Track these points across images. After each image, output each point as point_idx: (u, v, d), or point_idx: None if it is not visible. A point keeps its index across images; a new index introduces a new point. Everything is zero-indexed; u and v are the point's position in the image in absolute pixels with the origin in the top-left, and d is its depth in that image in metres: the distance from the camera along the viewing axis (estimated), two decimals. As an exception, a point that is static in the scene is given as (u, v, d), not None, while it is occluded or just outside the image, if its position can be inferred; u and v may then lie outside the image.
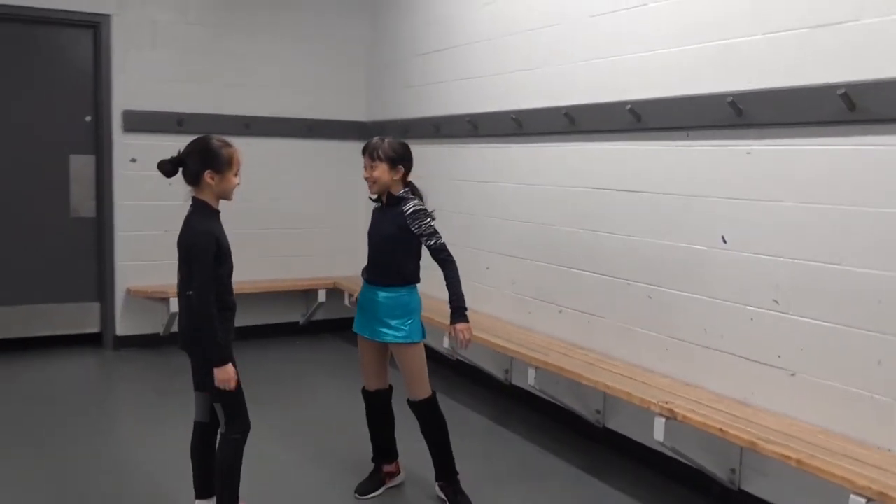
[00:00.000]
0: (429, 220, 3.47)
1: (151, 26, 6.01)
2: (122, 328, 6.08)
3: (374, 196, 3.56)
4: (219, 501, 3.13)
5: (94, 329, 6.13)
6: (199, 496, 3.25)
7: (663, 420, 3.33)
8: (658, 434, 3.38)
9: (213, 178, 3.05)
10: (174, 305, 5.81)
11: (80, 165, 6.00)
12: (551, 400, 4.46)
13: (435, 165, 5.79)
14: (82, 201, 6.04)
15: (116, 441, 4.31)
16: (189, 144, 3.11)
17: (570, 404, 4.37)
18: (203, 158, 3.05)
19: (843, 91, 2.92)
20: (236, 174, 3.12)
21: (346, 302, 6.25)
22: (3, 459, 3.97)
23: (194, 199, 3.11)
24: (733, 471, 3.50)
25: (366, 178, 3.50)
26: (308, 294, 6.57)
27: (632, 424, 4.06)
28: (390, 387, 3.69)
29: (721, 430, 3.06)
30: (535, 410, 4.76)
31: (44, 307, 5.96)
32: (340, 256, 6.70)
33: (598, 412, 4.27)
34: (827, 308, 3.10)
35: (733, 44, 3.44)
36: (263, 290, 6.33)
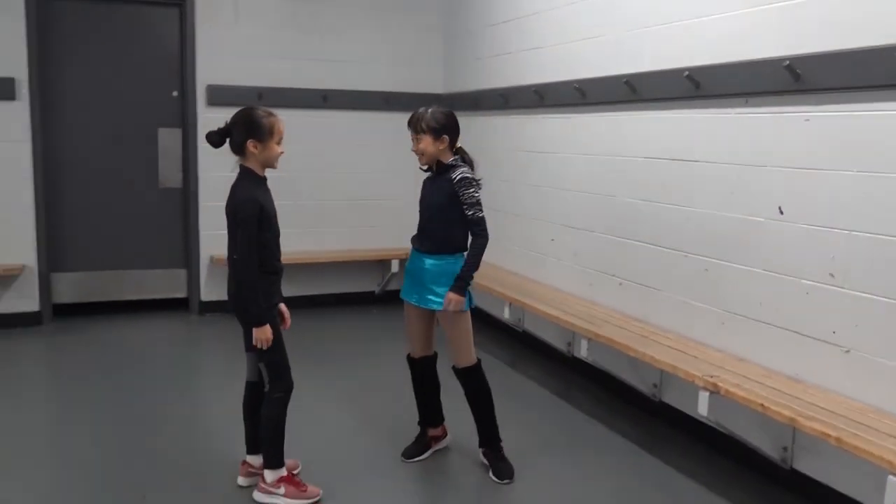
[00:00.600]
0: (473, 189, 3.45)
1: (233, 3, 6.22)
2: (206, 293, 6.37)
3: (425, 167, 3.59)
4: (264, 457, 3.28)
5: (182, 294, 6.46)
6: (249, 451, 3.41)
7: (707, 394, 3.26)
8: (702, 408, 3.31)
9: (255, 147, 3.16)
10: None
11: (168, 139, 6.30)
12: (608, 372, 4.42)
13: (503, 137, 5.79)
14: (170, 173, 6.35)
15: (195, 396, 4.57)
16: (234, 115, 3.23)
17: (627, 378, 4.32)
18: (246, 128, 3.16)
19: (901, 52, 2.76)
20: (279, 143, 3.22)
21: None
22: (94, 410, 4.29)
23: (241, 166, 3.23)
24: (785, 449, 3.39)
25: (413, 152, 3.52)
26: (383, 264, 6.71)
27: (686, 399, 3.97)
28: (435, 353, 3.74)
29: (763, 405, 2.97)
30: (595, 382, 4.73)
31: (136, 272, 6.33)
32: (414, 229, 6.78)
33: (655, 386, 4.21)
34: (884, 283, 2.95)
35: (789, 5, 3.28)
36: (339, 260, 6.52)
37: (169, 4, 6.16)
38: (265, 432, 3.28)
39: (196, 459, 3.69)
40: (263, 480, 3.28)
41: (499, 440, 3.60)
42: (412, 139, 3.50)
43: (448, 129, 3.47)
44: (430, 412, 3.78)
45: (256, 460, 3.36)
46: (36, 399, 4.60)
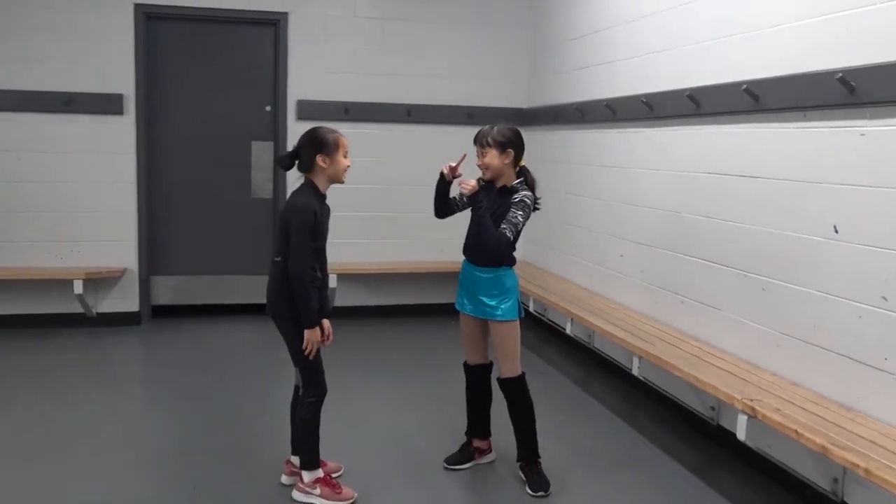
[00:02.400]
0: (522, 213, 3.43)
1: (323, 21, 6.49)
2: (291, 300, 6.63)
3: (485, 180, 3.55)
4: (301, 458, 3.41)
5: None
6: (294, 451, 3.55)
7: (745, 418, 3.14)
8: (741, 433, 3.20)
9: (325, 162, 3.29)
10: (332, 281, 6.31)
11: (260, 151, 6.63)
12: (664, 393, 4.32)
13: (578, 151, 5.76)
14: (261, 184, 6.67)
15: (268, 396, 4.75)
16: (301, 137, 3.37)
17: (685, 399, 4.21)
18: (314, 145, 3.30)
19: (951, 63, 2.60)
20: (345, 156, 3.36)
21: (494, 285, 6.37)
22: (175, 404, 4.61)
23: (306, 179, 3.36)
24: (836, 480, 3.22)
25: (478, 166, 3.55)
26: (462, 276, 6.77)
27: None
28: (490, 363, 3.78)
29: (797, 431, 2.85)
30: (658, 402, 4.62)
31: (228, 278, 6.67)
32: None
33: (713, 409, 4.08)
34: (937, 307, 2.77)
35: (843, 16, 3.15)
36: (424, 271, 6.62)
37: (264, 23, 6.49)
38: (301, 434, 3.42)
39: (252, 456, 3.86)
40: (301, 480, 3.41)
41: (537, 455, 3.59)
42: (477, 154, 3.56)
43: (513, 144, 3.51)
44: (479, 422, 3.82)
45: (298, 460, 3.49)
46: (124, 391, 4.92)
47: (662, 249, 4.59)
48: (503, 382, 3.62)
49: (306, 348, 3.29)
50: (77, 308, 6.10)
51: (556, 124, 6.07)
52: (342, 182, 3.42)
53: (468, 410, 3.83)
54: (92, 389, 4.80)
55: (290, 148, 3.42)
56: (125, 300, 6.32)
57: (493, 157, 3.48)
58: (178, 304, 6.59)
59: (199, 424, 4.28)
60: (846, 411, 3.08)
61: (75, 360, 5.45)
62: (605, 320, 4.58)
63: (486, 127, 3.55)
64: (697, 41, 4.19)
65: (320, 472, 3.41)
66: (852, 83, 3.07)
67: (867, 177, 3.08)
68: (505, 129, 3.52)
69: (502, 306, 3.55)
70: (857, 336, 3.13)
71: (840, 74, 3.09)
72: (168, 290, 6.57)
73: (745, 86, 3.68)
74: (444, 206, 3.67)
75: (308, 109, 6.45)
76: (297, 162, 3.34)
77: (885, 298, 2.99)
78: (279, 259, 3.29)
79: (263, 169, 6.63)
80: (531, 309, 5.93)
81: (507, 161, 3.49)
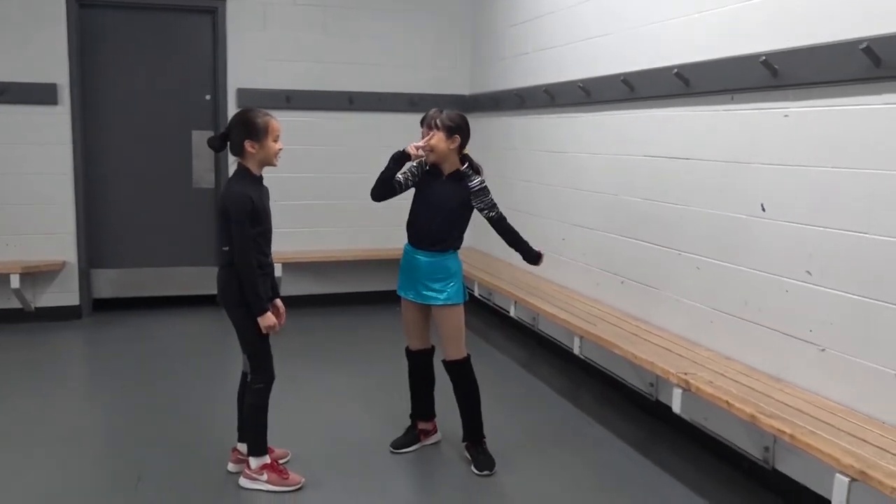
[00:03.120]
0: (489, 195, 3.58)
1: (262, 8, 6.43)
2: (236, 290, 6.59)
3: (428, 164, 3.59)
4: (248, 444, 3.42)
5: (213, 291, 6.65)
6: (240, 439, 3.55)
7: (680, 391, 3.25)
8: (676, 406, 3.31)
9: (253, 147, 3.27)
10: (277, 270, 6.27)
11: (201, 140, 6.53)
12: (606, 371, 4.43)
13: (519, 137, 5.83)
14: (203, 173, 6.59)
15: (212, 386, 4.75)
16: (231, 119, 3.36)
17: (626, 376, 4.32)
18: (243, 129, 3.28)
19: (865, 45, 2.71)
20: (276, 140, 3.32)
21: (440, 271, 6.44)
22: (118, 397, 4.54)
23: (239, 165, 3.35)
24: (767, 449, 3.36)
25: (421, 147, 3.54)
26: (408, 263, 6.81)
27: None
28: (432, 347, 3.83)
29: (728, 402, 2.96)
30: (602, 382, 4.73)
31: (170, 269, 6.60)
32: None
33: (652, 385, 4.20)
34: (857, 280, 2.91)
35: (768, 1, 3.26)
36: (368, 258, 6.64)
37: (202, 11, 6.41)
38: (248, 421, 3.43)
39: (198, 446, 3.85)
40: (248, 467, 3.42)
41: (482, 434, 3.66)
42: (423, 135, 3.57)
43: (461, 130, 3.54)
44: (423, 405, 3.86)
45: (245, 448, 3.49)
46: (66, 386, 4.84)
47: (603, 232, 4.69)
48: (449, 365, 3.67)
49: (264, 332, 3.30)
50: (15, 303, 5.97)
51: (497, 110, 6.13)
52: (274, 165, 3.39)
53: (412, 395, 3.87)
54: (32, 385, 4.72)
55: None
56: (65, 294, 6.20)
57: (439, 139, 3.49)
58: (120, 296, 6.49)
59: (144, 416, 4.24)
60: (775, 382, 3.21)
61: (14, 356, 5.34)
62: (548, 302, 4.67)
63: (435, 110, 3.59)
64: (632, 27, 4.28)
65: (267, 459, 3.42)
66: (775, 66, 3.19)
67: (791, 156, 3.20)
68: (454, 115, 3.55)
69: (447, 290, 3.59)
70: (784, 310, 3.26)
71: (763, 58, 3.20)
72: (109, 283, 6.47)
73: (675, 70, 3.78)
74: (388, 187, 3.59)
75: (248, 98, 6.38)
76: (227, 144, 3.32)
77: (809, 273, 3.12)
78: (227, 248, 3.28)
79: (204, 158, 6.55)
80: (476, 293, 6.00)
81: (452, 146, 3.52)
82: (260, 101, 6.32)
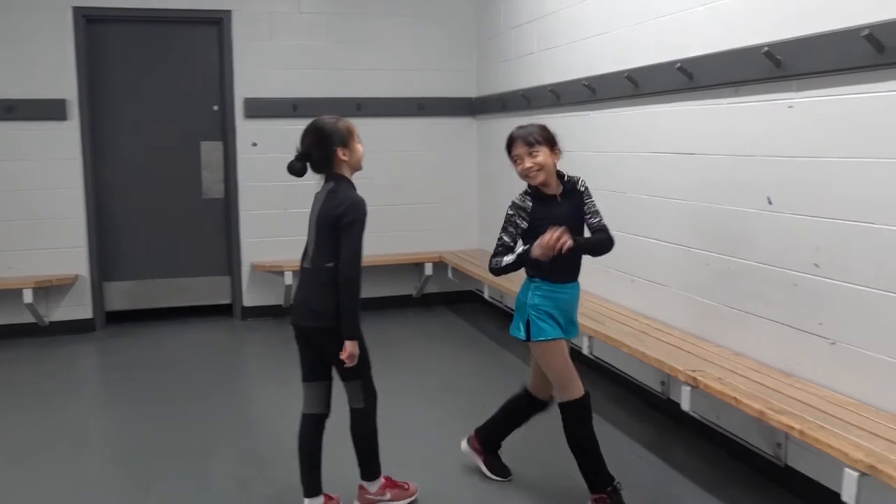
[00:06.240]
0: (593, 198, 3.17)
1: (268, 18, 6.45)
2: (248, 299, 6.61)
3: (534, 187, 3.11)
4: (369, 471, 3.17)
5: (226, 300, 6.71)
6: (311, 494, 3.09)
7: (689, 389, 3.21)
8: (685, 403, 3.26)
9: (345, 154, 2.97)
10: (288, 278, 6.30)
11: (210, 151, 6.57)
12: (617, 371, 4.39)
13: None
14: (212, 184, 6.61)
15: (227, 397, 4.76)
16: (305, 136, 3.01)
17: (637, 376, 4.28)
18: (330, 140, 2.96)
19: (867, 33, 2.67)
20: (359, 141, 3.06)
21: (450, 275, 6.42)
22: (131, 409, 4.56)
23: (335, 174, 3.00)
24: (779, 445, 3.30)
25: (525, 170, 3.07)
26: (419, 267, 6.80)
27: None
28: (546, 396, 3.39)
29: (736, 398, 2.91)
30: (613, 382, 4.68)
31: (182, 280, 6.62)
32: (450, 231, 6.90)
33: (663, 383, 4.15)
34: (866, 272, 2.85)
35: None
36: (376, 264, 6.61)
37: (208, 22, 6.44)
38: (368, 449, 3.14)
39: (209, 457, 3.84)
40: (366, 493, 3.19)
41: (606, 487, 3.11)
42: (521, 156, 3.08)
43: (556, 140, 3.13)
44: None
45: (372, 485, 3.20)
46: (80, 398, 4.86)
47: (613, 231, 4.63)
48: (560, 406, 3.18)
49: (347, 360, 2.95)
50: (29, 318, 6.01)
51: (504, 112, 6.11)
52: (361, 168, 3.09)
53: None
54: (47, 398, 4.74)
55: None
56: (78, 307, 6.24)
57: (545, 154, 3.04)
58: (132, 308, 6.52)
59: (156, 427, 4.24)
60: (785, 377, 3.16)
61: (28, 369, 5.39)
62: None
63: (519, 128, 3.12)
64: (634, 22, 4.25)
65: (381, 478, 3.22)
66: (778, 57, 3.14)
67: (796, 147, 3.15)
68: (543, 127, 3.12)
69: (520, 326, 3.17)
70: (793, 303, 3.21)
71: (766, 49, 3.16)
72: (122, 296, 6.50)
73: (679, 64, 3.74)
74: (512, 269, 3.13)
75: (256, 107, 6.42)
76: (307, 165, 2.99)
77: (816, 265, 3.07)
78: (331, 265, 2.96)
79: (214, 169, 6.58)
80: (487, 296, 5.98)
81: (557, 159, 3.09)
82: (267, 110, 6.42)
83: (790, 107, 3.17)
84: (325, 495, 3.13)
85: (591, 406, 3.15)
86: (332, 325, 2.96)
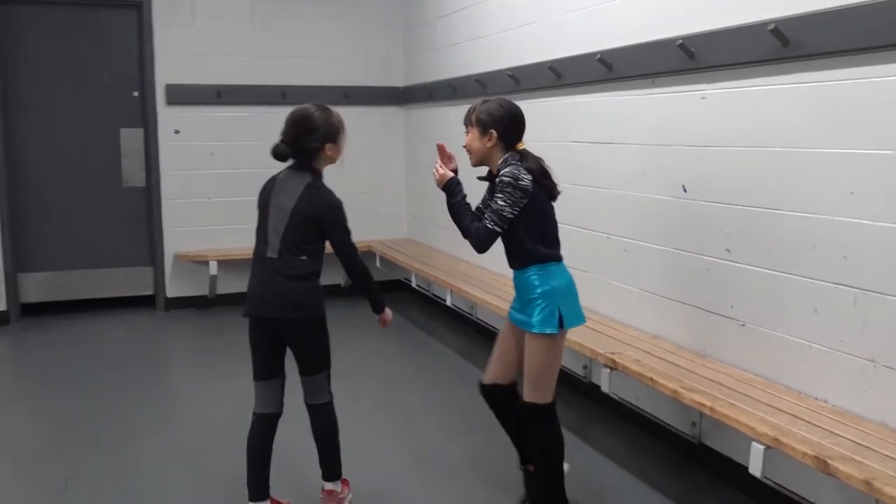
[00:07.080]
0: (502, 195, 2.79)
1: (189, 2, 6.31)
2: (172, 290, 6.49)
3: (476, 168, 3.00)
4: (331, 470, 3.05)
5: (148, 291, 6.57)
6: (258, 498, 2.94)
7: (608, 371, 3.31)
8: (604, 385, 3.36)
9: (332, 150, 2.90)
10: (213, 268, 6.21)
11: (130, 138, 6.40)
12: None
13: (454, 129, 5.82)
14: (133, 172, 6.45)
15: (165, 391, 4.69)
16: (295, 123, 2.88)
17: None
18: (326, 133, 2.87)
19: (773, 27, 2.79)
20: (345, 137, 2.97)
21: (378, 265, 6.42)
22: (50, 403, 4.44)
23: (312, 167, 2.93)
24: (694, 424, 3.44)
25: (464, 147, 2.97)
26: (347, 257, 6.77)
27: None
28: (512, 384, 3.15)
29: (652, 379, 3.02)
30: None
31: (102, 271, 6.44)
32: (381, 220, 6.90)
33: (585, 367, 4.26)
34: (772, 255, 2.99)
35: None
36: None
37: (126, 6, 6.27)
38: (330, 446, 3.03)
39: (128, 450, 3.77)
40: (330, 494, 3.05)
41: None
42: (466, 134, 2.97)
43: (499, 124, 2.84)
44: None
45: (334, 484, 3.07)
46: (-9, 394, 4.71)
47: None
48: (523, 407, 2.93)
49: (384, 325, 3.17)
50: (-63, 311, 5.78)
51: (432, 101, 6.14)
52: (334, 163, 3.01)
53: (511, 439, 3.19)
54: (-45, 393, 4.58)
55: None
56: (-9, 299, 6.03)
57: (473, 137, 2.89)
58: (49, 300, 6.32)
59: (73, 422, 4.13)
60: (699, 358, 3.29)
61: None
62: (484, 291, 4.69)
63: (477, 102, 2.94)
64: (559, 14, 4.32)
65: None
66: (692, 49, 3.25)
67: (708, 137, 3.28)
68: (493, 107, 2.87)
69: (534, 316, 2.87)
70: (706, 287, 3.34)
71: (680, 41, 3.26)
72: (38, 287, 6.29)
73: (599, 55, 3.83)
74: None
75: (178, 94, 6.29)
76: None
77: (728, 250, 3.19)
78: (305, 258, 2.91)
79: (134, 157, 6.42)
80: (414, 283, 6.02)
81: (489, 144, 2.85)
82: (190, 97, 6.29)
83: (703, 98, 3.29)
84: (272, 499, 2.98)
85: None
86: (310, 316, 2.91)
